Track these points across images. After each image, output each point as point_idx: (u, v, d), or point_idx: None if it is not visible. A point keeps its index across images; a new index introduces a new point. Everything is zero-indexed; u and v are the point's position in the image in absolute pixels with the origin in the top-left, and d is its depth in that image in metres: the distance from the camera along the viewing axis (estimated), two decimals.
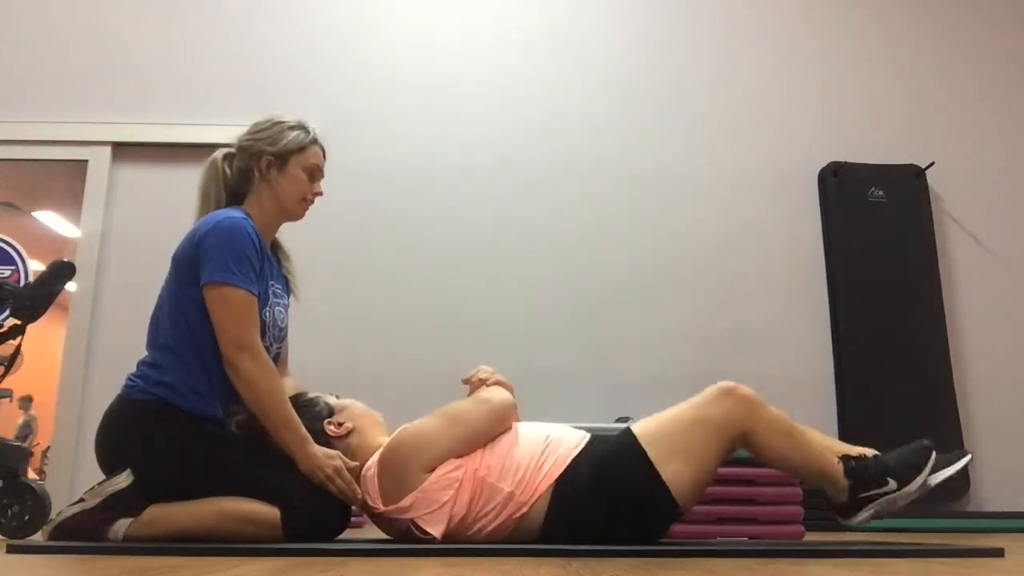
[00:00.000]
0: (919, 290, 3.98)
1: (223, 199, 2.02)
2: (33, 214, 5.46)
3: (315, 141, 2.06)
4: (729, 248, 4.05)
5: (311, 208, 2.08)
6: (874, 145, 4.19)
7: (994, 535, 3.10)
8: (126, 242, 3.95)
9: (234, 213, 1.93)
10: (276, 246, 2.11)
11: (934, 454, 1.76)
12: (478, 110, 4.17)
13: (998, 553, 1.63)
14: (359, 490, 1.80)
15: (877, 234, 4.04)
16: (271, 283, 1.98)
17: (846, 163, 4.07)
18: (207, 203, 2.01)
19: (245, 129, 2.06)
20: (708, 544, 1.94)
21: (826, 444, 1.82)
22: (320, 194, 2.09)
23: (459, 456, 1.78)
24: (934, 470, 1.74)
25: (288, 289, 2.10)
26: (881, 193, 4.08)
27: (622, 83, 4.24)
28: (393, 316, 3.90)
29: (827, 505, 1.81)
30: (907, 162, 4.14)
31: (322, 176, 2.08)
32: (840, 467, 1.74)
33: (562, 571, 1.21)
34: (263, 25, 4.24)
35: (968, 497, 3.78)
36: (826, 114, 4.25)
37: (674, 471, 1.72)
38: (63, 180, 4.49)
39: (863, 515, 1.74)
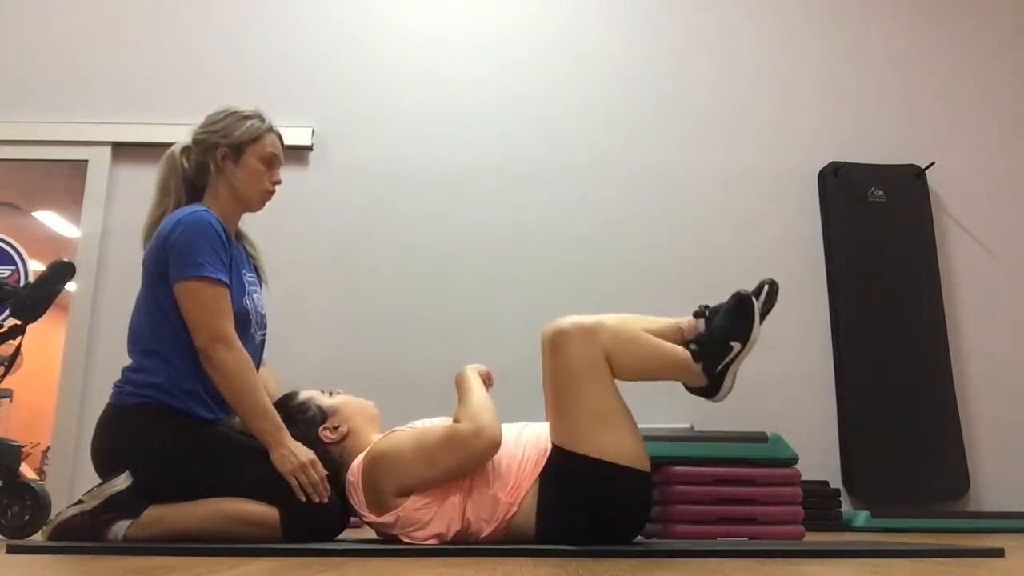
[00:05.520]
0: (919, 290, 3.98)
1: (183, 194, 1.99)
2: (33, 214, 5.46)
3: (271, 129, 2.03)
4: (729, 248, 4.05)
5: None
6: (874, 145, 4.18)
7: (994, 535, 3.10)
8: (126, 242, 3.94)
9: (194, 208, 1.91)
10: (240, 236, 2.09)
11: (753, 298, 1.83)
12: (478, 110, 4.17)
13: (998, 553, 1.63)
14: (325, 493, 1.77)
15: (877, 234, 4.04)
16: (244, 272, 1.98)
17: (846, 163, 4.07)
18: (166, 197, 1.99)
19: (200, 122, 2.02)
20: (708, 544, 1.94)
21: (657, 331, 1.85)
22: (279, 182, 2.04)
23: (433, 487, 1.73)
24: (761, 307, 1.83)
25: (260, 278, 2.09)
26: (881, 193, 4.08)
27: (622, 83, 4.23)
28: (392, 315, 3.89)
29: (690, 393, 1.86)
30: (907, 162, 4.14)
31: (280, 164, 2.04)
32: (688, 355, 1.80)
33: (561, 571, 1.21)
34: (263, 25, 4.24)
35: (968, 497, 3.77)
36: (826, 114, 4.25)
37: (609, 445, 1.72)
38: (63, 180, 4.49)
39: (726, 384, 1.81)
